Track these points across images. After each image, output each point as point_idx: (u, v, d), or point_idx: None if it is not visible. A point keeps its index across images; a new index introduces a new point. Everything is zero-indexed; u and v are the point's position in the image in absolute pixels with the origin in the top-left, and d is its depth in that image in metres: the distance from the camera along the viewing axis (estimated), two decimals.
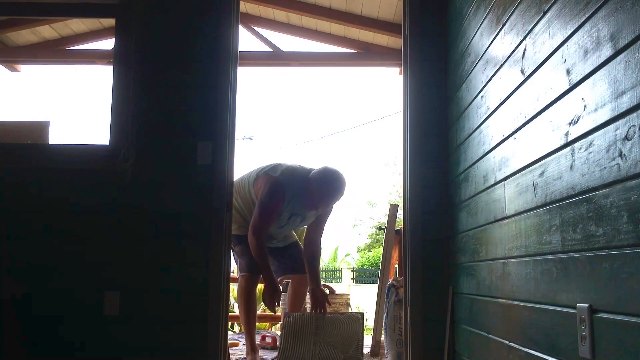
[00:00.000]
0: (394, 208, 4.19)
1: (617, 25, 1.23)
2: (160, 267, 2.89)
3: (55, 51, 4.88)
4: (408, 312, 2.94)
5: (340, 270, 17.43)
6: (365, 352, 3.66)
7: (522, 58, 1.84)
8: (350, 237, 22.08)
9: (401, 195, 3.35)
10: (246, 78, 34.28)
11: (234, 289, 6.80)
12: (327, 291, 3.58)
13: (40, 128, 3.18)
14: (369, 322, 6.46)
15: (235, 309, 6.80)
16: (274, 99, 43.77)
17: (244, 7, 4.55)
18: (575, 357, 1.41)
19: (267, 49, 4.76)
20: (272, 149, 33.39)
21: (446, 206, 2.92)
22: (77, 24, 4.69)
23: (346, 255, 19.32)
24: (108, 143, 2.99)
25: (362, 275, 17.30)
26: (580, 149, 1.40)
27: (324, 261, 18.38)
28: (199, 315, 2.84)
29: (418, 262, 2.93)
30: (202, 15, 3.07)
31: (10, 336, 2.76)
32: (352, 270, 17.23)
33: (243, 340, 4.00)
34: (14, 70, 4.99)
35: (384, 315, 3.56)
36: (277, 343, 3.54)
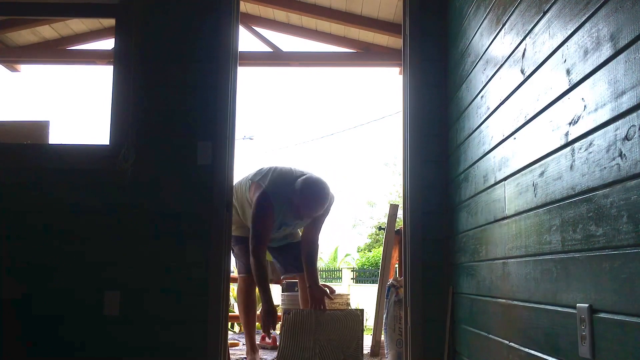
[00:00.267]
0: (394, 208, 4.20)
1: (617, 25, 1.23)
2: (160, 267, 2.89)
3: (55, 51, 4.88)
4: (408, 312, 2.94)
5: (340, 270, 17.44)
6: (365, 352, 3.66)
7: (522, 58, 1.84)
8: (350, 237, 22.09)
9: (401, 195, 3.35)
10: (246, 78, 34.29)
11: (234, 289, 6.80)
12: (327, 291, 3.57)
13: (40, 128, 3.18)
14: (369, 322, 6.45)
15: (236, 309, 6.80)
16: (274, 99, 43.79)
17: (244, 7, 4.54)
18: (575, 357, 1.41)
19: (267, 49, 4.76)
20: (272, 149, 33.42)
21: (446, 206, 2.92)
22: (77, 24, 4.69)
23: (346, 255, 19.32)
24: (108, 143, 2.99)
25: (362, 275, 17.30)
26: (580, 149, 1.40)
27: (324, 261, 18.39)
28: (199, 315, 2.84)
29: (418, 262, 2.93)
30: (202, 15, 3.07)
31: (10, 336, 2.76)
32: (352, 270, 17.23)
33: (243, 340, 4.01)
34: (14, 70, 4.99)
35: (384, 315, 3.56)
36: (277, 343, 3.54)
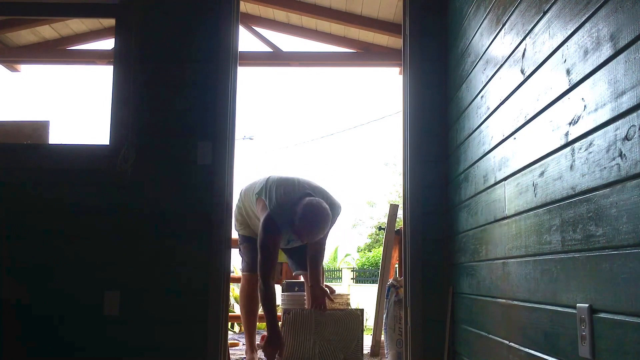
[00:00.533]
0: (394, 208, 4.20)
1: (617, 25, 1.23)
2: (160, 267, 2.89)
3: (55, 51, 4.88)
4: (408, 312, 2.94)
5: (340, 270, 17.44)
6: (365, 352, 3.66)
7: (522, 58, 1.84)
8: (350, 237, 22.09)
9: (401, 195, 3.35)
10: (246, 78, 34.31)
11: (234, 289, 6.81)
12: (328, 291, 3.57)
13: (40, 128, 3.18)
14: (369, 322, 6.45)
15: (236, 309, 6.81)
16: (274, 99, 43.79)
17: (244, 7, 4.55)
18: (575, 357, 1.41)
19: (267, 49, 4.76)
20: (272, 149, 33.42)
21: (446, 206, 2.92)
22: (77, 24, 4.69)
23: (346, 255, 19.32)
24: (108, 143, 2.99)
25: (362, 275, 17.31)
26: (580, 149, 1.40)
27: (324, 261, 18.35)
28: (199, 315, 2.84)
29: (418, 262, 2.93)
30: (202, 15, 3.07)
31: (10, 336, 2.76)
32: (352, 270, 17.24)
33: (243, 340, 4.00)
34: (14, 70, 4.99)
35: (384, 315, 3.56)
36: None
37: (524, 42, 1.83)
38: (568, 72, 1.48)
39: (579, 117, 1.41)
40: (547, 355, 1.60)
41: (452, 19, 2.91)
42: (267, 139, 40.59)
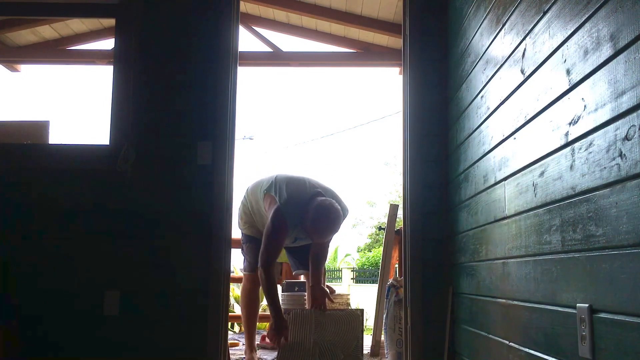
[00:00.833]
0: (394, 208, 4.20)
1: (617, 25, 1.23)
2: (160, 267, 2.89)
3: (55, 51, 4.88)
4: (408, 312, 2.94)
5: (340, 270, 17.44)
6: (365, 352, 3.66)
7: (522, 58, 1.84)
8: (350, 237, 22.09)
9: (401, 195, 3.35)
10: (246, 78, 34.28)
11: (234, 289, 6.81)
12: (328, 292, 3.57)
13: (40, 128, 3.18)
14: (369, 322, 6.45)
15: (236, 309, 6.81)
16: (274, 99, 43.75)
17: (244, 7, 4.55)
18: (575, 357, 1.41)
19: (267, 49, 4.76)
20: (272, 149, 33.40)
21: (446, 206, 2.92)
22: (77, 24, 4.69)
23: (346, 255, 19.32)
24: (108, 143, 2.99)
25: (362, 275, 17.31)
26: (580, 149, 1.40)
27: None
28: (199, 315, 2.84)
29: (418, 262, 2.93)
30: (202, 15, 3.07)
31: (9, 336, 2.76)
32: (352, 270, 17.24)
33: (243, 340, 4.00)
34: (14, 70, 4.99)
35: (384, 315, 3.56)
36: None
37: (524, 42, 1.83)
38: (568, 72, 1.48)
39: (579, 117, 1.41)
40: (547, 355, 1.60)
41: (452, 19, 2.91)
42: (267, 139, 40.56)
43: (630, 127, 1.18)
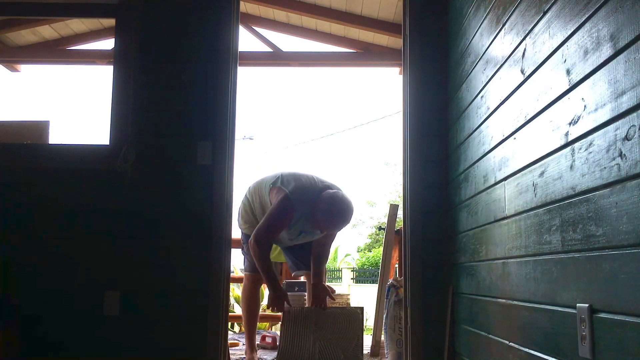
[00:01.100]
0: (394, 208, 4.19)
1: (617, 25, 1.23)
2: (160, 267, 2.89)
3: (55, 51, 4.87)
4: (408, 312, 2.94)
5: (340, 270, 17.44)
6: (365, 352, 3.66)
7: (522, 58, 1.84)
8: (350, 237, 22.09)
9: (401, 195, 3.35)
10: (246, 78, 34.30)
11: (234, 289, 6.82)
12: (329, 290, 3.56)
13: (40, 128, 3.18)
14: (369, 322, 6.46)
15: (236, 309, 6.81)
16: (274, 99, 43.77)
17: (244, 7, 4.54)
18: (575, 357, 1.41)
19: (267, 49, 4.76)
20: (272, 149, 33.41)
21: (446, 206, 2.92)
22: (77, 24, 4.69)
23: (346, 255, 19.33)
24: (108, 143, 2.99)
25: (362, 275, 17.32)
26: (580, 149, 1.40)
27: None
28: (199, 315, 2.84)
29: (418, 262, 2.93)
30: (202, 15, 3.07)
31: (9, 336, 2.76)
32: (352, 270, 17.25)
33: (243, 340, 4.00)
34: (14, 70, 4.99)
35: (384, 315, 3.56)
36: (277, 343, 3.53)
37: (524, 42, 1.83)
38: (568, 72, 1.48)
39: (579, 117, 1.41)
40: (547, 355, 1.60)
41: (452, 19, 2.91)
42: (267, 139, 40.58)
43: (630, 127, 1.18)
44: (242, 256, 3.62)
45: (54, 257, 2.89)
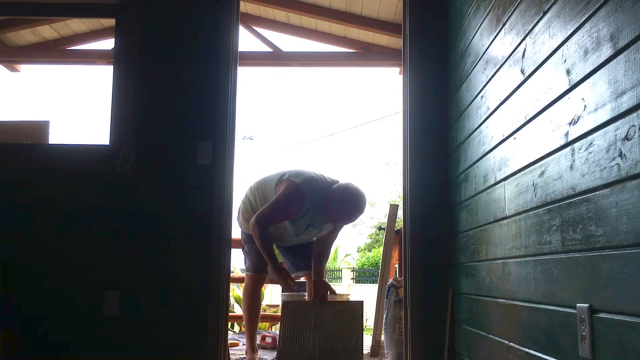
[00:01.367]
0: (394, 208, 4.19)
1: (617, 25, 1.23)
2: (160, 267, 2.89)
3: (55, 51, 4.88)
4: (408, 312, 2.94)
5: (340, 270, 17.43)
6: (365, 352, 3.65)
7: (522, 58, 1.85)
8: (350, 237, 22.08)
9: (401, 195, 3.35)
10: (246, 78, 34.26)
11: (234, 289, 6.82)
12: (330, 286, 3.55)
13: (40, 128, 3.18)
14: (369, 322, 6.45)
15: (236, 309, 6.82)
16: (274, 99, 43.73)
17: (244, 7, 4.54)
18: (575, 357, 1.41)
19: (267, 49, 4.76)
20: (272, 149, 33.40)
21: (446, 206, 2.92)
22: (77, 24, 4.69)
23: (346, 255, 19.32)
24: (108, 143, 2.99)
25: (362, 275, 17.31)
26: (580, 149, 1.40)
27: None
28: (199, 315, 2.84)
29: (418, 262, 2.93)
30: (202, 15, 3.07)
31: (9, 336, 2.76)
32: (352, 270, 17.24)
33: (243, 340, 4.01)
34: (14, 70, 4.99)
35: (384, 315, 3.56)
36: (277, 343, 3.53)
37: (524, 42, 1.83)
38: (568, 72, 1.48)
39: (579, 117, 1.41)
40: (547, 355, 1.60)
41: (452, 19, 2.91)
42: (267, 139, 40.54)
43: (630, 127, 1.18)
44: (243, 256, 3.61)
45: (54, 257, 2.90)
